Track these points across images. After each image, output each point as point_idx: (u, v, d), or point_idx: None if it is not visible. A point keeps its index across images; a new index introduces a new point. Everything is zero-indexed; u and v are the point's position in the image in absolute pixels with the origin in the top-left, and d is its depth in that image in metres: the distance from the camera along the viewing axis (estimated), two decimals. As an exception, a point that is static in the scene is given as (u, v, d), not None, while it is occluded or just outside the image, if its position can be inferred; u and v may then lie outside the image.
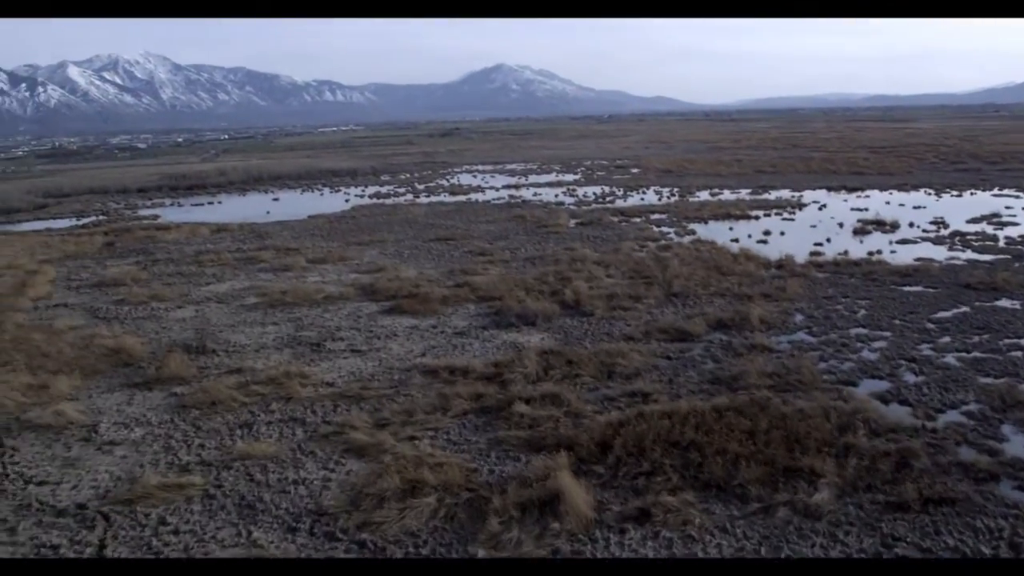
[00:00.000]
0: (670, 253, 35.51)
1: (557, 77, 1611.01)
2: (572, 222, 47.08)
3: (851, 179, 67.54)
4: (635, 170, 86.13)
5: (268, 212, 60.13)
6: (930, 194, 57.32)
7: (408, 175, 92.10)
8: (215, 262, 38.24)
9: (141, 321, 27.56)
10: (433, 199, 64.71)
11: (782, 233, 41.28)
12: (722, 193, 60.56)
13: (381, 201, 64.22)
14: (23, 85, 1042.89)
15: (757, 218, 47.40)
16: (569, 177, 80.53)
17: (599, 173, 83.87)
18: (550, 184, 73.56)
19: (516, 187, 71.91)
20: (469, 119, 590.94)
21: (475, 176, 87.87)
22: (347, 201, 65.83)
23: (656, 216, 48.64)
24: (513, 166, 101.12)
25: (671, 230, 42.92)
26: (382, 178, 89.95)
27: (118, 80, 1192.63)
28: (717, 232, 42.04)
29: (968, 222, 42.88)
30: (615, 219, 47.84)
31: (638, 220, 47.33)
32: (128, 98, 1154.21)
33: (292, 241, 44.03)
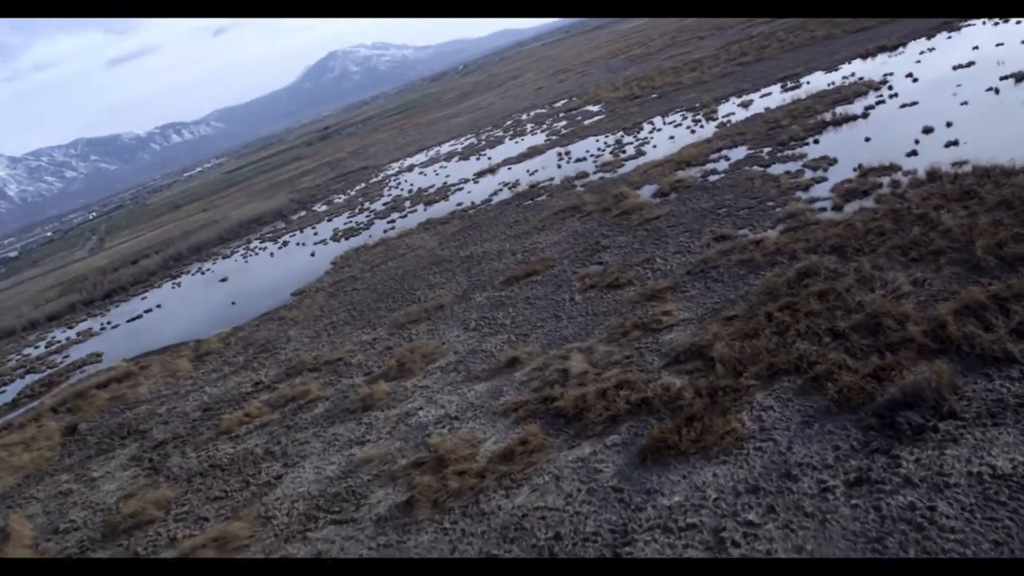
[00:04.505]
0: (888, 204, 24.63)
1: (393, 45, 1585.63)
2: (646, 196, 36.00)
3: (864, 38, 57.38)
4: (594, 108, 75.04)
5: (233, 303, 47.71)
6: (984, 25, 47.54)
7: (343, 197, 79.55)
8: (247, 423, 26.36)
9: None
10: (415, 219, 52.79)
11: (948, 124, 30.56)
12: (751, 100, 49.87)
13: (358, 242, 51.93)
14: None
15: (865, 116, 36.78)
16: (536, 140, 68.74)
17: (559, 124, 72.42)
18: (523, 156, 61.83)
19: (491, 171, 60.22)
20: (325, 115, 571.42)
21: (421, 174, 75.60)
22: (314, 256, 53.57)
23: (736, 154, 37.71)
24: (444, 148, 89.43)
25: (802, 167, 31.88)
26: (317, 209, 77.32)
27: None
28: (856, 151, 31.30)
29: None
30: (692, 174, 36.83)
31: (722, 166, 36.46)
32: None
33: (315, 345, 32.23)
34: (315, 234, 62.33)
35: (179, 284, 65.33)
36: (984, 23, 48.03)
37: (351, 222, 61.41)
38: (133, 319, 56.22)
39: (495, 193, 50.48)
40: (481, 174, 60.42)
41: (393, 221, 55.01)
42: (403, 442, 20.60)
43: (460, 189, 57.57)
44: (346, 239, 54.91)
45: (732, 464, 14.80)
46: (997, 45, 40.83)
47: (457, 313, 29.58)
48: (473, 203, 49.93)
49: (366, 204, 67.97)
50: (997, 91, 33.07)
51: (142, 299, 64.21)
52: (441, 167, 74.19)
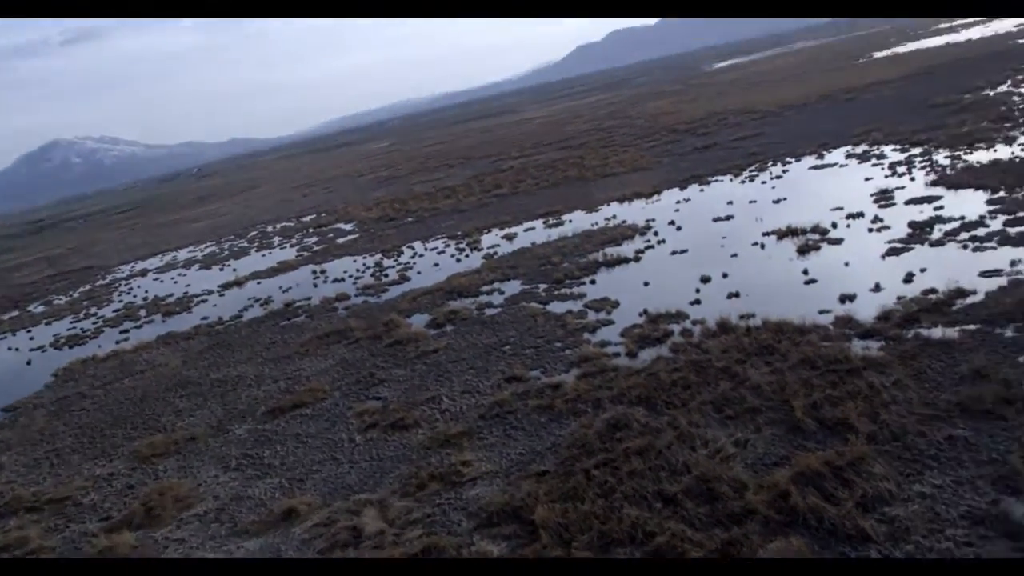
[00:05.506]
0: (687, 354, 24.27)
1: (122, 140, 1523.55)
2: (420, 325, 34.25)
3: (617, 183, 59.74)
4: (346, 226, 73.40)
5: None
6: (732, 181, 50.79)
7: (65, 298, 72.04)
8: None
9: None
10: (152, 331, 47.86)
11: (724, 275, 31.31)
12: (514, 233, 49.94)
13: (86, 353, 46.20)
14: None
15: (637, 260, 37.29)
16: (286, 254, 65.50)
17: (311, 240, 69.90)
18: (274, 270, 58.59)
19: (237, 284, 56.48)
20: (40, 206, 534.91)
21: (157, 280, 69.93)
22: (30, 364, 47.24)
23: (510, 288, 37.03)
24: (181, 254, 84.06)
25: (584, 307, 31.49)
26: (32, 310, 69.53)
27: None
28: (637, 295, 31.42)
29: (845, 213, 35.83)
30: (466, 305, 35.59)
31: (497, 299, 35.57)
32: None
33: (35, 477, 27.42)
34: (31, 339, 55.47)
35: None
36: (731, 179, 50.95)
37: (76, 328, 55.21)
38: None
39: (246, 308, 47.01)
40: (227, 286, 56.58)
41: (127, 331, 49.82)
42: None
43: (204, 301, 53.42)
44: (70, 347, 49.02)
45: (579, 659, 12.83)
46: (751, 202, 43.11)
47: (213, 448, 26.14)
48: (221, 318, 46.11)
49: (93, 309, 61.66)
50: (763, 246, 34.44)
51: None
52: (180, 274, 69.14)
